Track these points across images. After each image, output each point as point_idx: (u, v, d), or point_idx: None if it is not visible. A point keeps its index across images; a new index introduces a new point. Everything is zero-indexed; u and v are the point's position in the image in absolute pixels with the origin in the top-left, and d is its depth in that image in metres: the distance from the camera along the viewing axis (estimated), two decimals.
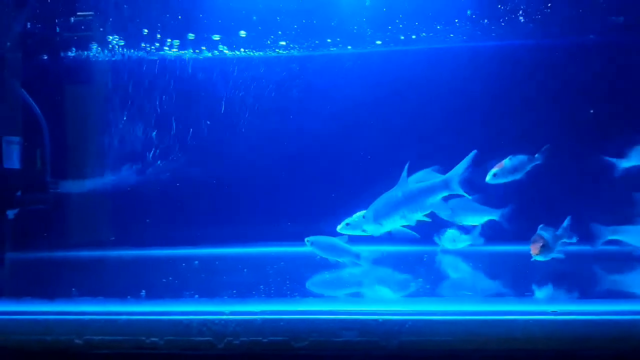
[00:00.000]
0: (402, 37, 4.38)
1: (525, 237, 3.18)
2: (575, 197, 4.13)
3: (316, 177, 4.41)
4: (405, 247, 4.03)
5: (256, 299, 2.72)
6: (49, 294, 2.62)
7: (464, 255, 3.94)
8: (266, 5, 4.27)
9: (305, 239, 3.42)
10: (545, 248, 2.98)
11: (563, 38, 4.34)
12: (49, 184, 4.30)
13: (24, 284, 3.43)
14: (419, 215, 3.13)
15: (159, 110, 4.53)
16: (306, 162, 4.48)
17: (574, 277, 3.29)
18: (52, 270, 3.83)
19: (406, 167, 3.08)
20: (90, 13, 4.33)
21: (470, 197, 3.06)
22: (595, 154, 4.04)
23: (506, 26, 4.28)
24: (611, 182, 3.98)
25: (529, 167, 3.61)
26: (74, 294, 2.81)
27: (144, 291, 2.80)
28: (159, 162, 4.55)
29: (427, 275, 3.52)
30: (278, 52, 4.51)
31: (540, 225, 3.16)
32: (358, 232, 3.51)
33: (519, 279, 3.22)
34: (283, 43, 4.44)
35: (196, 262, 3.99)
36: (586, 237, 3.53)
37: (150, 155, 4.54)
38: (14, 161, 3.90)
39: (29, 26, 4.26)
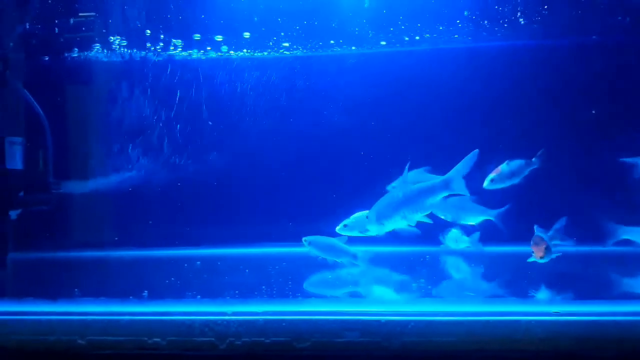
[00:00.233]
0: (407, 38, 4.38)
1: (526, 237, 3.18)
2: (575, 197, 4.13)
3: (318, 178, 4.41)
4: (405, 248, 4.04)
5: (258, 300, 2.73)
6: (51, 295, 2.62)
7: (466, 255, 3.94)
8: (269, 6, 4.28)
9: (303, 239, 3.42)
10: (547, 250, 2.99)
11: (564, 39, 4.34)
12: (51, 184, 4.31)
13: (26, 285, 3.44)
14: (420, 216, 3.14)
15: (160, 110, 4.54)
16: (308, 163, 4.48)
17: (576, 278, 3.29)
18: (55, 271, 3.84)
19: (407, 167, 3.08)
20: (92, 13, 4.33)
21: (470, 197, 3.07)
22: (594, 154, 4.06)
23: (508, 27, 4.28)
24: (611, 182, 3.99)
25: (526, 172, 3.62)
26: (77, 294, 2.81)
27: (146, 291, 2.81)
28: (160, 162, 4.55)
29: (428, 276, 3.52)
30: (280, 53, 4.51)
31: (535, 226, 3.17)
32: (355, 233, 3.52)
33: (520, 279, 3.21)
34: (286, 44, 4.44)
35: (198, 262, 4.00)
36: (585, 238, 3.54)
37: (152, 156, 4.55)
38: (16, 162, 3.91)
39: (31, 27, 4.27)
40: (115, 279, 3.68)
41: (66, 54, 4.46)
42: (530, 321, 2.18)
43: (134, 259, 4.20)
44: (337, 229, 3.57)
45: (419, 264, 3.81)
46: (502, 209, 3.81)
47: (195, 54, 4.52)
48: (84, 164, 4.63)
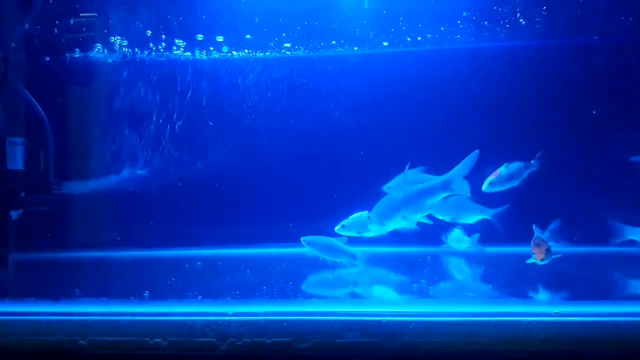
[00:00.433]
0: (409, 39, 4.38)
1: (527, 237, 3.18)
2: (575, 197, 4.13)
3: (319, 178, 4.42)
4: (407, 248, 4.04)
5: (259, 300, 2.73)
6: (52, 295, 2.63)
7: (467, 256, 3.94)
8: (271, 6, 4.29)
9: (302, 238, 3.42)
10: (548, 252, 2.98)
11: (565, 39, 4.34)
12: (52, 185, 4.31)
13: (27, 285, 3.44)
14: (420, 216, 3.14)
15: (161, 111, 4.54)
16: (309, 163, 4.48)
17: (577, 278, 3.29)
18: (56, 271, 3.84)
19: (407, 167, 3.09)
20: (93, 14, 4.34)
21: (469, 196, 3.07)
22: (595, 154, 4.06)
23: (509, 27, 4.28)
24: (612, 182, 3.99)
25: (525, 174, 3.61)
26: (78, 294, 2.81)
27: (147, 292, 2.81)
28: (161, 163, 4.56)
29: (429, 276, 3.52)
30: (282, 53, 4.52)
31: (534, 226, 3.17)
32: (353, 233, 3.52)
33: (521, 280, 3.21)
34: (287, 45, 4.45)
35: (199, 263, 4.00)
36: (585, 238, 3.54)
37: (153, 156, 4.55)
38: (17, 162, 3.91)
39: (32, 27, 4.27)
40: (116, 279, 3.68)
41: (67, 55, 4.46)
42: (531, 322, 2.18)
43: (135, 260, 4.21)
44: (336, 229, 3.57)
45: (420, 264, 3.80)
46: (500, 209, 3.81)
47: (196, 54, 4.52)
48: (84, 165, 4.63)
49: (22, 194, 3.99)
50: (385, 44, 4.44)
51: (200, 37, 4.39)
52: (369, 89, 4.49)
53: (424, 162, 3.62)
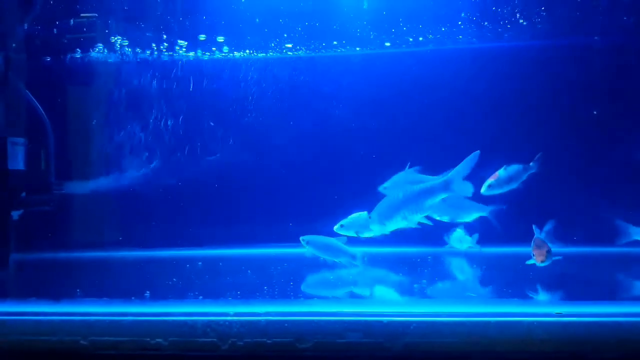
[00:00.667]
0: (411, 39, 4.39)
1: (527, 237, 3.18)
2: (576, 198, 4.13)
3: (320, 178, 4.42)
4: (408, 248, 4.04)
5: (260, 300, 2.73)
6: (53, 295, 2.62)
7: (468, 256, 3.93)
8: (272, 7, 4.29)
9: (301, 238, 3.41)
10: (549, 254, 2.98)
11: (566, 39, 4.34)
12: (53, 185, 4.31)
13: (28, 285, 3.44)
14: (420, 216, 3.15)
15: (162, 111, 4.54)
16: (310, 163, 4.48)
17: (578, 279, 3.29)
18: (57, 271, 3.84)
19: (407, 167, 3.09)
20: (94, 14, 4.34)
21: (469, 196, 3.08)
22: (596, 154, 4.05)
23: (511, 28, 4.28)
24: (613, 182, 3.99)
25: (524, 177, 3.60)
26: (79, 295, 2.81)
27: (148, 292, 2.81)
28: (162, 163, 4.56)
29: (430, 276, 3.52)
30: (284, 53, 4.52)
31: (534, 226, 3.17)
32: (352, 233, 3.51)
33: (522, 280, 3.21)
34: (289, 45, 4.45)
35: (200, 263, 4.00)
36: (585, 238, 3.53)
37: (154, 157, 4.55)
38: (18, 162, 3.91)
39: (33, 27, 4.27)
40: (118, 279, 3.68)
41: (68, 55, 4.47)
42: (532, 322, 2.18)
43: (136, 260, 4.21)
44: (335, 228, 3.57)
45: (421, 265, 3.80)
46: (497, 206, 3.80)
47: (198, 54, 4.53)
48: (85, 165, 4.63)
49: (23, 194, 3.99)
50: (388, 44, 4.44)
51: (202, 37, 4.40)
52: (369, 89, 4.49)
53: (424, 162, 3.62)
